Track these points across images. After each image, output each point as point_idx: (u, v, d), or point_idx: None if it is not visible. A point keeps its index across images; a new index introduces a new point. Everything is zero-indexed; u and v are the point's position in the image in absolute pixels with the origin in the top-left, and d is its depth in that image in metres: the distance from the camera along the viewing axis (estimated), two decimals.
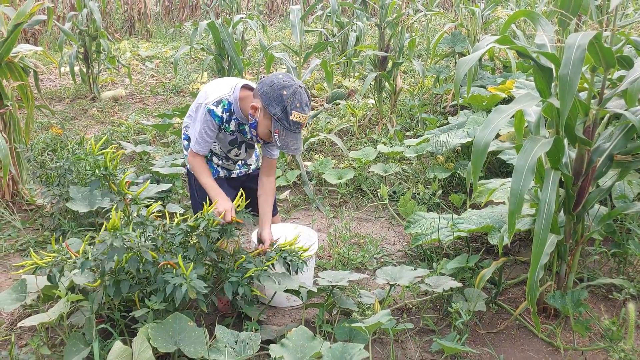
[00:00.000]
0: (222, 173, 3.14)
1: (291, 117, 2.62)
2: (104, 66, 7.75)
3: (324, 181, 4.63)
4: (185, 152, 3.12)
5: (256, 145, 3.15)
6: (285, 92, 2.60)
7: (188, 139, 3.07)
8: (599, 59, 2.39)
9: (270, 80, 2.66)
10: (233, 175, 3.18)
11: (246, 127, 2.91)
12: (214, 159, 3.10)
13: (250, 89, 2.86)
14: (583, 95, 2.59)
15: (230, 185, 3.15)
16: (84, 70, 7.46)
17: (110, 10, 12.67)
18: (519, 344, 2.69)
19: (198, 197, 3.10)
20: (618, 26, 2.53)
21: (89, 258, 2.39)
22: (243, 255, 2.61)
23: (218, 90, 2.86)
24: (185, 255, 2.51)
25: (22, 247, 3.65)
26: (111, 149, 2.70)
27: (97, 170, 2.56)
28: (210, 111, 2.80)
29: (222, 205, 2.77)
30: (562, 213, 2.73)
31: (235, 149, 3.04)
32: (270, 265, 2.63)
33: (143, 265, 2.46)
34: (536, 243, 2.33)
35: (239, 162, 3.18)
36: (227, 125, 2.88)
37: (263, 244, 2.86)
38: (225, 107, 2.82)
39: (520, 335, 2.76)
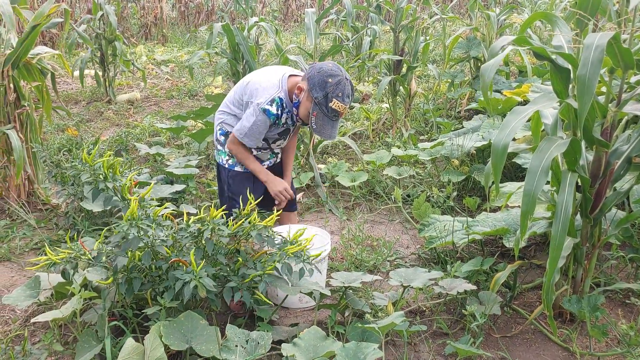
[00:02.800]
0: None
1: (330, 104, 2.79)
2: (120, 69, 7.80)
3: (337, 184, 4.61)
4: (219, 147, 3.19)
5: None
6: (330, 80, 2.78)
7: (225, 134, 3.14)
8: (618, 60, 2.36)
9: (320, 66, 2.82)
10: (265, 166, 3.23)
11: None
12: (253, 150, 3.14)
13: (296, 76, 2.99)
14: (601, 98, 2.56)
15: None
16: (100, 73, 7.51)
17: (126, 15, 12.77)
18: (534, 349, 2.66)
19: (227, 192, 3.16)
20: (637, 27, 2.50)
21: (104, 252, 2.39)
22: (240, 258, 2.57)
23: (267, 87, 2.94)
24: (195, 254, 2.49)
25: (37, 246, 3.67)
26: (107, 155, 2.70)
27: (95, 180, 2.58)
28: (265, 111, 2.90)
29: (276, 187, 3.08)
30: (578, 216, 2.69)
31: (282, 140, 3.17)
32: (276, 269, 2.59)
33: (156, 261, 2.46)
34: (553, 246, 2.30)
35: (273, 151, 3.25)
36: (280, 120, 2.98)
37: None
38: (279, 104, 2.93)
39: (535, 339, 2.72)
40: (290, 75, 3.00)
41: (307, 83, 2.83)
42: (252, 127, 2.94)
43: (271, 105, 2.91)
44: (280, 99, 2.93)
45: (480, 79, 2.38)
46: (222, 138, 3.15)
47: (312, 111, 2.84)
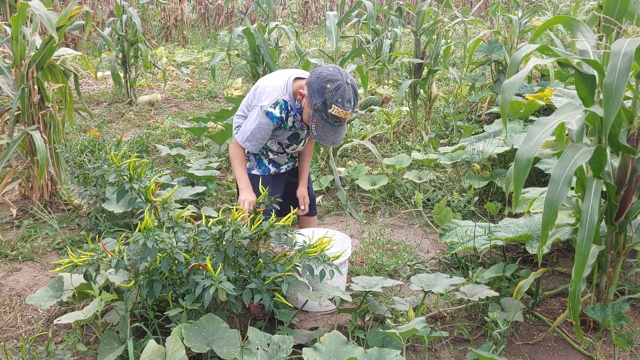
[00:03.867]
0: (272, 170, 3.16)
1: (330, 110, 2.69)
2: (141, 71, 7.87)
3: (357, 187, 4.60)
4: None
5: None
6: (329, 86, 2.68)
7: None
8: None
9: (320, 71, 2.73)
10: (282, 171, 3.21)
11: None
12: (269, 154, 3.13)
13: (303, 79, 2.90)
14: (627, 103, 2.52)
15: (276, 181, 3.19)
16: (121, 74, 7.58)
17: (147, 17, 12.89)
18: (556, 357, 2.62)
19: None
20: None
21: (124, 257, 2.41)
22: (260, 260, 2.57)
23: (272, 90, 2.90)
24: (214, 258, 2.50)
25: (59, 246, 3.71)
26: (134, 157, 2.72)
27: (121, 181, 2.60)
28: (268, 113, 2.85)
29: (244, 196, 2.92)
30: (603, 223, 2.66)
31: (294, 144, 3.10)
32: (297, 272, 2.59)
33: (175, 266, 2.47)
34: (578, 254, 2.26)
35: (289, 155, 3.22)
36: (285, 122, 2.93)
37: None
38: (282, 107, 2.87)
39: (557, 347, 2.69)
40: (297, 78, 2.93)
41: (307, 89, 2.76)
42: (254, 130, 2.89)
43: (274, 107, 2.85)
44: (285, 102, 2.87)
45: (502, 96, 2.32)
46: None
47: (312, 118, 2.76)
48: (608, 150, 2.60)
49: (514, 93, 2.29)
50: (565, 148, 2.39)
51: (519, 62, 2.42)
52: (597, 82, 2.38)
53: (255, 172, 3.12)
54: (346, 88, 2.70)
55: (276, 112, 2.85)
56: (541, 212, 3.26)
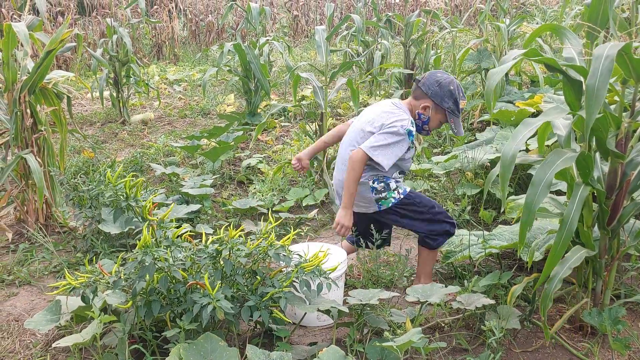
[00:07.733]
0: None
1: (460, 106, 3.11)
2: (134, 90, 7.89)
3: None
4: (383, 195, 3.17)
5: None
6: (452, 87, 3.08)
7: (380, 180, 3.17)
8: (629, 70, 2.36)
9: (434, 80, 3.10)
10: None
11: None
12: (394, 183, 3.20)
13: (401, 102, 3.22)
14: (614, 107, 2.55)
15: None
16: (114, 94, 7.60)
17: (138, 35, 12.94)
18: None
19: (424, 210, 3.23)
20: None
21: (122, 277, 2.42)
22: (258, 277, 2.58)
23: (397, 113, 3.09)
24: (211, 276, 2.50)
25: (56, 269, 3.71)
26: (130, 176, 2.73)
27: (118, 199, 2.61)
28: (409, 132, 3.05)
29: (342, 219, 3.10)
30: (596, 228, 2.68)
31: (410, 162, 3.30)
32: (293, 286, 2.60)
33: (173, 285, 2.47)
34: (551, 256, 2.35)
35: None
36: (412, 143, 3.15)
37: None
38: (412, 125, 3.11)
39: (556, 354, 2.69)
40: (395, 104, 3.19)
41: (431, 100, 3.08)
42: (395, 148, 3.03)
43: (412, 126, 3.09)
44: (412, 121, 3.12)
45: (486, 84, 2.39)
46: (380, 186, 3.16)
47: (450, 119, 3.12)
48: (597, 155, 2.63)
49: (498, 79, 2.36)
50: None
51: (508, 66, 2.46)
52: (584, 87, 2.41)
53: (400, 195, 3.18)
54: (458, 83, 3.13)
55: (413, 130, 3.09)
56: (536, 218, 3.29)
